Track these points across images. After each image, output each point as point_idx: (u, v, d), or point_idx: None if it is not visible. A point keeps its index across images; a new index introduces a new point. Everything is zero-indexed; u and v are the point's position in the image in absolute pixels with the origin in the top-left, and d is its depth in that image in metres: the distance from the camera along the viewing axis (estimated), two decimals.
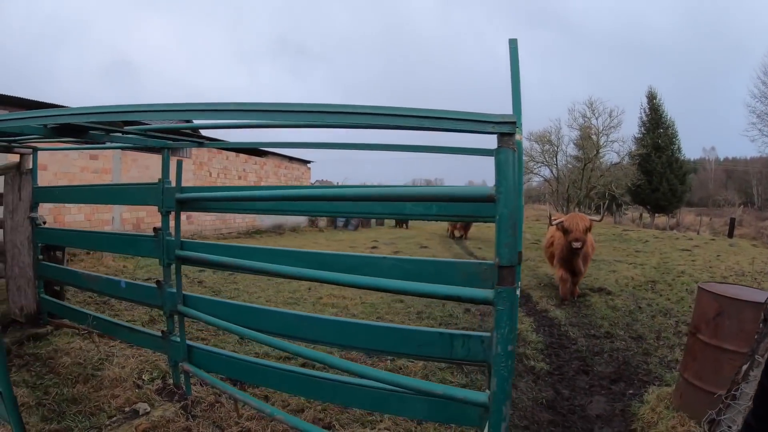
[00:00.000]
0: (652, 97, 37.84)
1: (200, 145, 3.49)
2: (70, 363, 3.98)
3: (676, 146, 35.37)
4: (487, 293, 1.60)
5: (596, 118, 33.35)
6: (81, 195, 4.27)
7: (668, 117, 35.24)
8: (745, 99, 35.75)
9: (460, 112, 1.64)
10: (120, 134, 3.16)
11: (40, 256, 4.65)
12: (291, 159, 22.21)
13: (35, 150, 4.57)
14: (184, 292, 3.27)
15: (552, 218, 8.49)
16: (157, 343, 3.55)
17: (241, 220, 17.96)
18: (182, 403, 3.43)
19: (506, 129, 1.49)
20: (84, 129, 2.70)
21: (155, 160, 13.47)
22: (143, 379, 3.82)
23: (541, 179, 38.08)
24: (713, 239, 20.66)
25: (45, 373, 3.80)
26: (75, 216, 10.69)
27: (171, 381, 3.70)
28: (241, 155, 18.15)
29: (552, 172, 36.65)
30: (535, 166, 37.46)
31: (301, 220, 21.79)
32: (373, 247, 15.05)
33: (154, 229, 3.40)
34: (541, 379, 4.62)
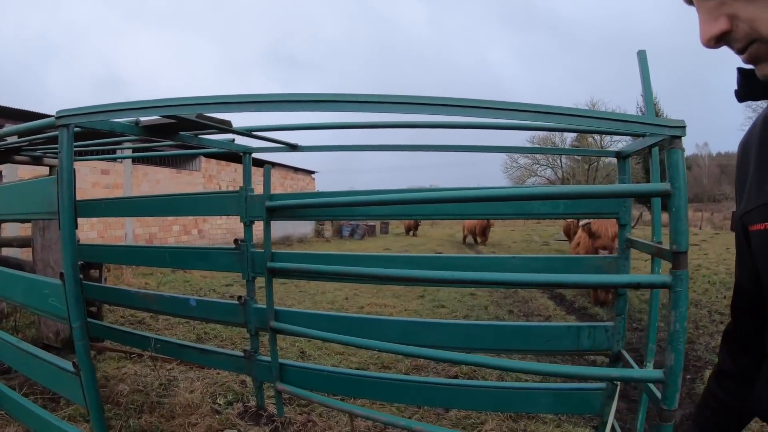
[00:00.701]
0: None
1: (293, 148, 3.18)
2: (128, 391, 3.63)
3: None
4: (666, 278, 1.68)
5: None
6: (135, 207, 3.87)
7: (664, 115, 34.96)
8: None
9: (632, 115, 1.79)
10: (207, 136, 2.86)
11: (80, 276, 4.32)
12: (296, 170, 21.96)
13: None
14: (276, 307, 2.96)
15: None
16: (239, 364, 3.23)
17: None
18: (272, 425, 3.16)
19: (678, 132, 1.64)
20: (180, 127, 2.40)
21: (165, 173, 13.17)
22: (219, 404, 3.52)
23: (545, 181, 38.03)
24: (717, 233, 20.72)
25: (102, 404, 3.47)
26: (88, 233, 10.34)
27: (252, 403, 3.42)
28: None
29: (556, 174, 36.66)
30: (539, 169, 37.54)
31: (308, 230, 21.50)
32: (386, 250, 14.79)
33: (236, 241, 3.09)
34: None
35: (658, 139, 1.90)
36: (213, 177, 15.70)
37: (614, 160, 2.67)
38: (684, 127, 1.64)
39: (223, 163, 16.18)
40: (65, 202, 1.81)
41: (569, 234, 13.17)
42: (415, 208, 2.86)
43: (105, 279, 4.70)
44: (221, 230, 15.57)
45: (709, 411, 1.18)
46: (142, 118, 2.15)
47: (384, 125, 2.87)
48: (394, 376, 3.08)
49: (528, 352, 3.87)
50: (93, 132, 2.29)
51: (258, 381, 3.21)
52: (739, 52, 0.73)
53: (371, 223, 24.87)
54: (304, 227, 21.05)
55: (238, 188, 3.09)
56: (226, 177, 16.43)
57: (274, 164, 19.90)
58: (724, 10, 0.70)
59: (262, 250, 3.00)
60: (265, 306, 3.02)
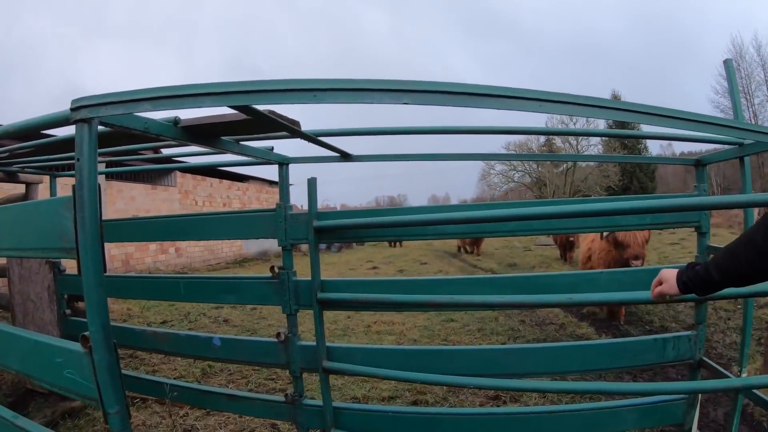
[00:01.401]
0: (615, 99, 38.30)
1: (346, 157, 2.63)
2: None
3: (643, 145, 34.86)
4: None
5: (574, 124, 33.15)
6: (151, 230, 3.14)
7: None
8: (708, 95, 36.80)
9: (746, 123, 1.86)
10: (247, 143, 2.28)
11: (67, 311, 3.65)
12: (272, 183, 21.23)
13: (53, 176, 3.60)
14: (328, 344, 2.41)
15: None
16: (279, 410, 2.69)
17: (228, 250, 16.84)
18: None
19: None
20: (229, 129, 1.81)
21: (140, 190, 12.39)
22: None
23: (522, 187, 38.19)
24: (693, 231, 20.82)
25: None
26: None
27: None
28: (225, 181, 17.12)
29: (533, 178, 36.90)
30: (515, 175, 37.61)
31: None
32: (373, 267, 14.23)
33: (272, 268, 2.53)
34: (638, 376, 4.29)
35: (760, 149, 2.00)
36: (189, 192, 14.93)
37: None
38: None
39: (199, 177, 15.42)
40: (88, 234, 1.23)
41: (562, 241, 12.70)
42: (496, 225, 2.55)
43: None
44: (198, 248, 14.77)
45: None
46: (182, 117, 1.57)
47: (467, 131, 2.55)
48: (471, 410, 2.87)
49: (616, 371, 3.68)
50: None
51: (304, 428, 2.67)
52: None
53: None
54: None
55: (274, 206, 2.53)
56: (202, 192, 15.67)
57: (247, 177, 19.19)
58: None
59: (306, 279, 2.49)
60: (309, 343, 2.56)
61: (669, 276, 1.43)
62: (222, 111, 1.58)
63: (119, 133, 1.57)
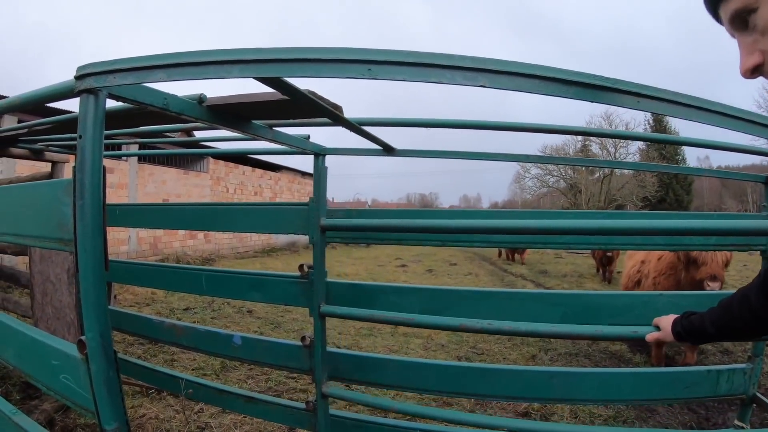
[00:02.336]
0: None
1: (389, 151, 2.42)
2: None
3: (681, 156, 34.13)
4: None
5: (614, 127, 32.28)
6: (179, 217, 2.97)
7: (673, 128, 33.33)
8: (751, 108, 35.42)
9: None
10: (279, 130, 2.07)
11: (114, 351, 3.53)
12: (304, 174, 21.19)
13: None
14: (355, 352, 2.22)
15: None
16: (299, 417, 2.49)
17: (257, 238, 16.83)
18: None
19: None
20: (261, 111, 1.61)
21: (172, 174, 12.44)
22: None
23: (556, 192, 37.37)
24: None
25: None
26: None
27: None
28: (257, 170, 17.10)
29: (567, 184, 36.09)
30: (550, 179, 36.77)
31: None
32: (402, 266, 13.99)
33: (301, 266, 2.34)
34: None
35: None
36: (221, 179, 14.95)
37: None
38: None
39: (231, 165, 15.42)
40: (88, 225, 1.03)
41: (600, 254, 11.36)
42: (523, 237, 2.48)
43: (115, 297, 3.88)
44: (227, 235, 14.77)
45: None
46: (208, 95, 1.37)
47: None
48: (492, 420, 2.43)
49: (667, 402, 3.50)
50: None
51: None
52: None
53: None
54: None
55: (307, 199, 2.33)
56: (234, 180, 15.68)
57: (280, 167, 19.16)
58: (757, 45, 0.75)
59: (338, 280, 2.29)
60: (336, 350, 2.35)
61: (665, 324, 1.46)
62: (255, 90, 1.37)
63: (139, 112, 1.38)
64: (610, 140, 32.89)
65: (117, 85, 1.07)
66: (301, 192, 20.56)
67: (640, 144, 33.91)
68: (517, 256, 15.92)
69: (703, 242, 2.46)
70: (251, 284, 2.60)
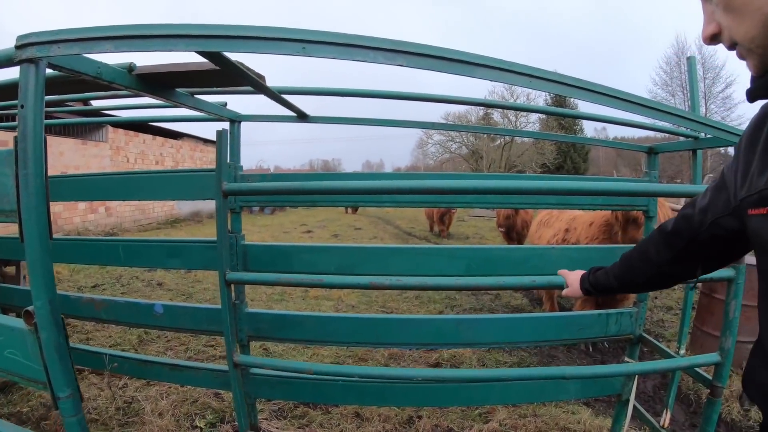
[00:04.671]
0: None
1: (303, 118, 2.43)
2: None
3: (579, 127, 35.36)
4: (729, 272, 1.96)
5: (515, 100, 32.79)
6: (80, 189, 2.75)
7: (572, 100, 34.98)
8: (647, 86, 37.90)
9: (718, 122, 1.97)
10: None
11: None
12: (206, 141, 20.23)
13: None
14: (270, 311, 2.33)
15: None
16: (225, 379, 2.50)
17: (159, 210, 16.00)
18: None
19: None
20: (187, 80, 1.59)
21: (70, 144, 11.46)
22: (200, 427, 2.82)
23: (459, 158, 38.11)
24: None
25: None
26: None
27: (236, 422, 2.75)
28: (158, 138, 16.09)
29: (469, 150, 36.94)
30: (453, 146, 37.48)
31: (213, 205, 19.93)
32: (308, 231, 14.04)
33: None
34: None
35: (717, 145, 2.20)
36: (120, 148, 13.94)
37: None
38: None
39: (131, 133, 14.40)
40: (32, 195, 1.03)
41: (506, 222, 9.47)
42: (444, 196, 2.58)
43: (24, 277, 3.64)
44: (129, 207, 13.93)
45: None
46: (138, 64, 1.35)
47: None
48: (405, 372, 2.69)
49: (563, 343, 3.85)
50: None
51: (251, 397, 2.56)
52: (729, 49, 0.82)
53: None
54: (212, 203, 19.56)
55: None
56: (134, 149, 14.68)
57: (181, 134, 18.21)
58: (714, 16, 0.81)
59: (257, 243, 2.41)
60: (257, 310, 2.50)
61: (572, 280, 1.52)
62: (184, 59, 1.37)
63: (64, 80, 1.33)
64: (512, 110, 33.91)
65: (60, 55, 1.05)
66: (203, 160, 19.66)
67: (541, 116, 34.80)
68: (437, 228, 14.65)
69: (591, 202, 2.68)
70: (170, 252, 2.58)
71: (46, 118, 3.97)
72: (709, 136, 2.18)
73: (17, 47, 1.04)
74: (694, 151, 2.53)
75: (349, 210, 21.32)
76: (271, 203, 2.86)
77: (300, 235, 13.39)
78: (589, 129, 40.00)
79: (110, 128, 13.10)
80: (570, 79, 1.43)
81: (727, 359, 2.08)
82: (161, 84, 1.61)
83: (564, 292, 1.56)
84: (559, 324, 2.56)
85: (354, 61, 1.21)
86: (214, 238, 2.38)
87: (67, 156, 11.25)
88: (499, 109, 35.48)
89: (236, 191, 2.11)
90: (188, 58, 1.34)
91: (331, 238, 12.88)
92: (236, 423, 2.82)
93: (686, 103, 27.63)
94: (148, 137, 15.51)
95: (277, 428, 2.80)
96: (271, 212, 22.32)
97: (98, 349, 2.91)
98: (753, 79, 0.85)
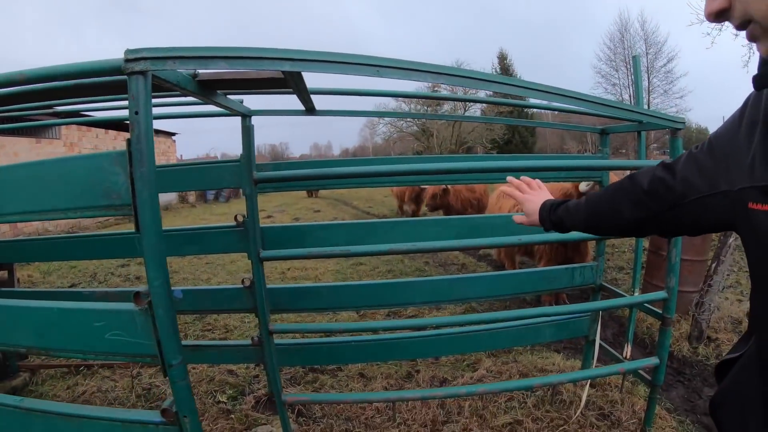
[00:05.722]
0: (503, 58, 38.48)
1: (310, 111, 2.54)
2: None
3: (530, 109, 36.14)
4: None
5: (464, 92, 33.28)
6: None
7: (518, 76, 34.82)
8: (592, 61, 38.36)
9: (656, 111, 2.33)
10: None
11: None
12: (157, 132, 19.44)
13: None
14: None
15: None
16: (247, 353, 2.68)
17: None
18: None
19: (681, 126, 2.27)
20: (237, 85, 1.70)
21: (24, 144, 10.92)
22: (224, 401, 2.93)
23: (410, 137, 37.97)
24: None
25: None
26: None
27: (262, 392, 3.04)
28: (111, 132, 15.40)
29: (419, 128, 36.79)
30: (404, 124, 37.32)
31: (172, 197, 19.34)
32: (268, 216, 13.97)
33: (236, 217, 2.47)
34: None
35: (657, 128, 2.54)
36: (74, 144, 13.32)
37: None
38: (684, 122, 2.30)
39: (84, 128, 13.71)
40: (146, 189, 1.16)
41: (433, 202, 9.70)
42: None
43: (18, 280, 3.57)
44: None
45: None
46: (200, 71, 1.47)
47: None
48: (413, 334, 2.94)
49: (538, 293, 4.17)
50: None
51: (274, 367, 2.68)
52: (738, 28, 0.73)
53: None
54: (168, 193, 18.96)
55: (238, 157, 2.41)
56: (88, 144, 14.03)
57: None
58: None
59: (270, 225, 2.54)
60: (279, 286, 2.73)
61: (531, 210, 1.42)
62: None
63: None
64: (460, 87, 33.58)
65: (169, 69, 1.16)
66: (158, 150, 18.98)
67: (487, 92, 35.13)
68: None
69: (556, 176, 3.11)
70: (188, 239, 2.64)
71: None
72: (649, 121, 2.46)
73: (128, 60, 1.13)
74: (639, 132, 2.89)
75: (314, 194, 21.38)
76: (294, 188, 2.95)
77: (262, 220, 13.28)
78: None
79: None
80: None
81: (673, 295, 2.45)
82: (210, 87, 1.71)
83: (520, 218, 1.50)
84: (535, 278, 2.91)
85: (410, 80, 1.49)
86: (232, 223, 2.51)
87: (22, 156, 10.67)
88: (448, 88, 35.31)
89: (266, 179, 2.23)
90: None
91: (292, 221, 12.87)
92: (256, 394, 2.98)
93: (629, 77, 28.72)
94: (101, 131, 14.85)
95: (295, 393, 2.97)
96: (226, 200, 21.95)
97: None
98: (763, 63, 0.78)
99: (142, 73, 1.13)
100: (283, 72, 1.50)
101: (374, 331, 2.86)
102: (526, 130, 36.59)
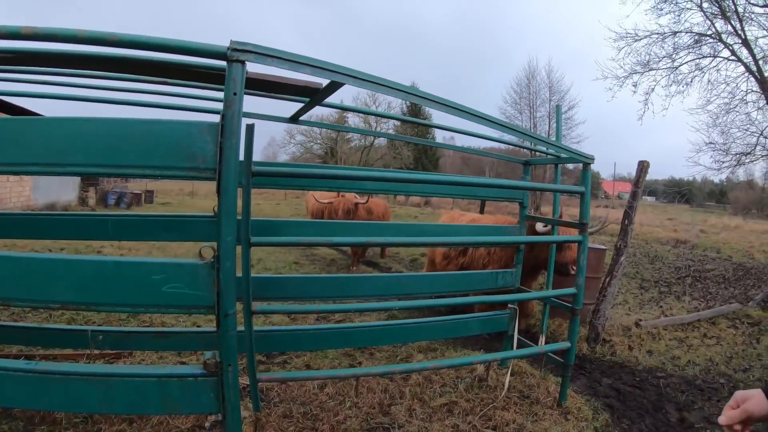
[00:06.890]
0: (413, 87, 39.32)
1: (294, 120, 2.70)
2: None
3: (431, 135, 35.87)
4: (580, 237, 2.89)
5: (376, 107, 33.74)
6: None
7: (426, 110, 34.44)
8: (498, 103, 40.04)
9: (572, 149, 2.83)
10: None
11: None
12: None
13: None
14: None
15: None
16: (211, 339, 2.70)
17: (16, 199, 13.92)
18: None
19: (590, 161, 2.78)
20: (271, 87, 1.89)
21: None
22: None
23: (318, 159, 37.63)
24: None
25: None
26: None
27: None
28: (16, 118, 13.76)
29: (332, 153, 36.63)
30: (314, 146, 36.94)
31: (72, 197, 17.74)
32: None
33: (215, 209, 2.54)
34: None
35: (572, 162, 3.07)
36: None
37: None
38: (593, 158, 2.78)
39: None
40: (232, 157, 1.33)
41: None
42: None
43: None
44: None
45: None
46: (250, 69, 1.64)
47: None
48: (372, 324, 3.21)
49: (467, 291, 4.34)
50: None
51: (252, 349, 2.78)
52: None
53: (137, 191, 21.65)
54: (68, 194, 17.37)
55: None
56: None
57: (33, 113, 15.83)
58: None
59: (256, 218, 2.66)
60: (257, 275, 2.68)
61: (758, 399, 1.04)
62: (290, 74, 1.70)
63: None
64: (372, 116, 34.08)
65: (261, 63, 1.35)
66: None
67: (396, 122, 35.65)
68: None
69: (486, 193, 3.63)
70: (165, 226, 2.66)
71: None
72: (566, 156, 3.05)
73: (234, 50, 1.29)
74: (556, 165, 3.60)
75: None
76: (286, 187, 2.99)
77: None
78: (439, 138, 42.23)
79: None
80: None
81: (581, 291, 2.88)
82: (249, 85, 1.86)
83: (752, 407, 1.03)
84: (468, 279, 3.45)
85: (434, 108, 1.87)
86: (209, 213, 2.56)
87: None
88: (360, 116, 35.58)
89: (263, 173, 2.34)
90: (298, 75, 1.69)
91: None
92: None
93: (532, 120, 30.45)
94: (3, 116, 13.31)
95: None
96: (128, 206, 20.47)
97: (80, 327, 2.83)
98: None
99: (242, 62, 1.31)
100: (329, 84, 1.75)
101: (346, 312, 3.34)
102: (429, 162, 37.97)
